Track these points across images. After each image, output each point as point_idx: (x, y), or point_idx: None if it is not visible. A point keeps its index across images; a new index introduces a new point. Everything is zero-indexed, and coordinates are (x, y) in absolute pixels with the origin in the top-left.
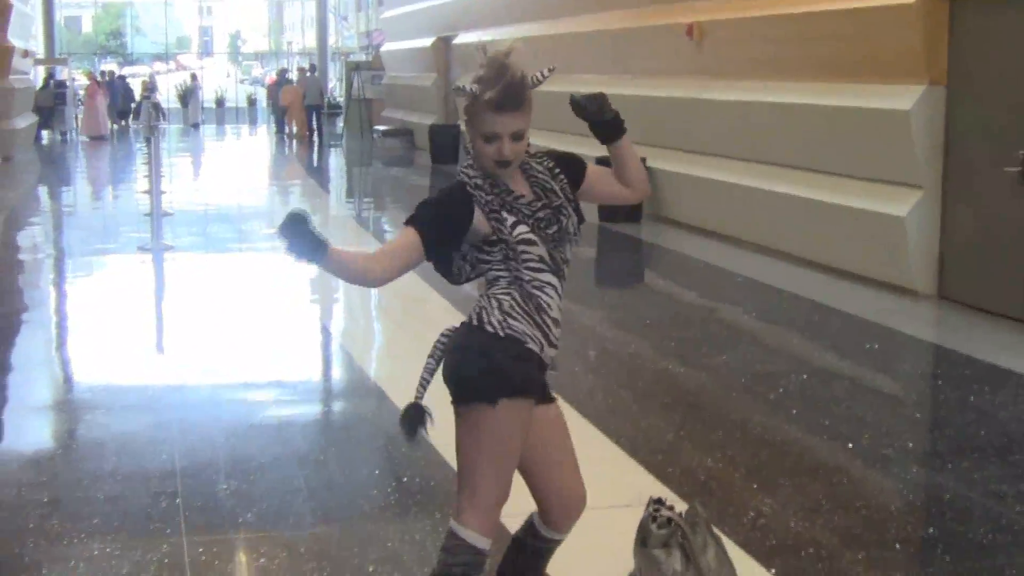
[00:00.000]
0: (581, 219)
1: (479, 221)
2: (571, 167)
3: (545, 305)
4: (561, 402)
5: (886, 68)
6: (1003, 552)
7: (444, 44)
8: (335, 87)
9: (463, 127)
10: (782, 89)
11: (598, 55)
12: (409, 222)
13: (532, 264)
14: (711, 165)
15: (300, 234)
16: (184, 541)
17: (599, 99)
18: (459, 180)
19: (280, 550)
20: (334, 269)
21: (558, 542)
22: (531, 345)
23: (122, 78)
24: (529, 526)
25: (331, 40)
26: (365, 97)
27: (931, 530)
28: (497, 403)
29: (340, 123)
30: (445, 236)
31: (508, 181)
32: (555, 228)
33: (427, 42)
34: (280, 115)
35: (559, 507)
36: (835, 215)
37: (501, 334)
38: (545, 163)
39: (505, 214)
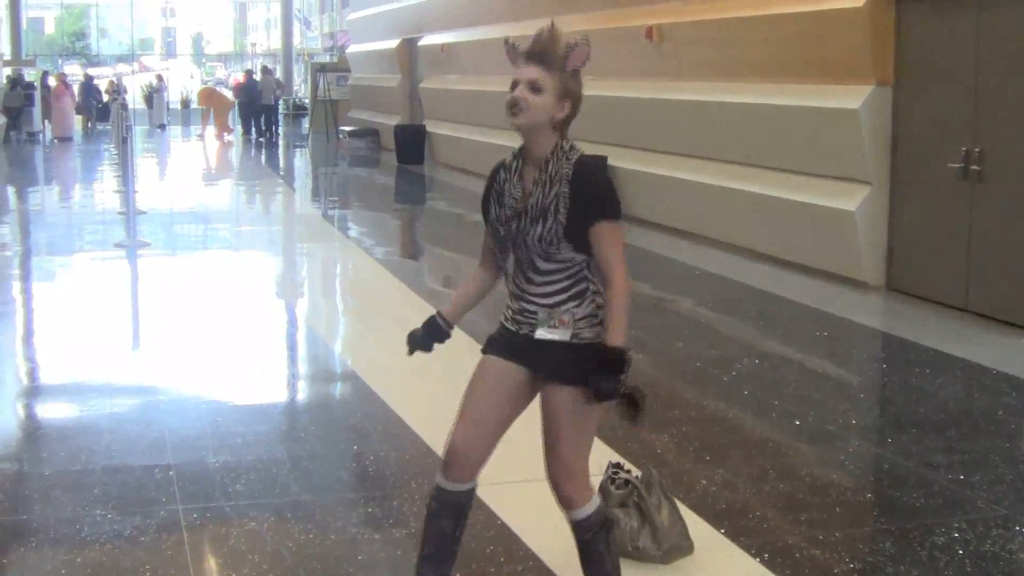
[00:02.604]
0: (562, 234)
1: None
2: (584, 202)
3: (508, 280)
4: None
5: (836, 69)
6: (933, 513)
7: (409, 45)
8: (300, 88)
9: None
10: (738, 89)
11: None
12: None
13: (499, 249)
14: (670, 163)
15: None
16: (179, 508)
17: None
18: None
19: (268, 515)
20: (463, 312)
21: (573, 524)
22: (500, 317)
23: (90, 79)
24: None
25: (295, 41)
26: (331, 98)
27: (869, 495)
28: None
29: (306, 124)
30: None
31: (525, 168)
32: (504, 229)
33: (392, 43)
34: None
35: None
36: (788, 210)
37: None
38: (565, 168)
39: (496, 204)
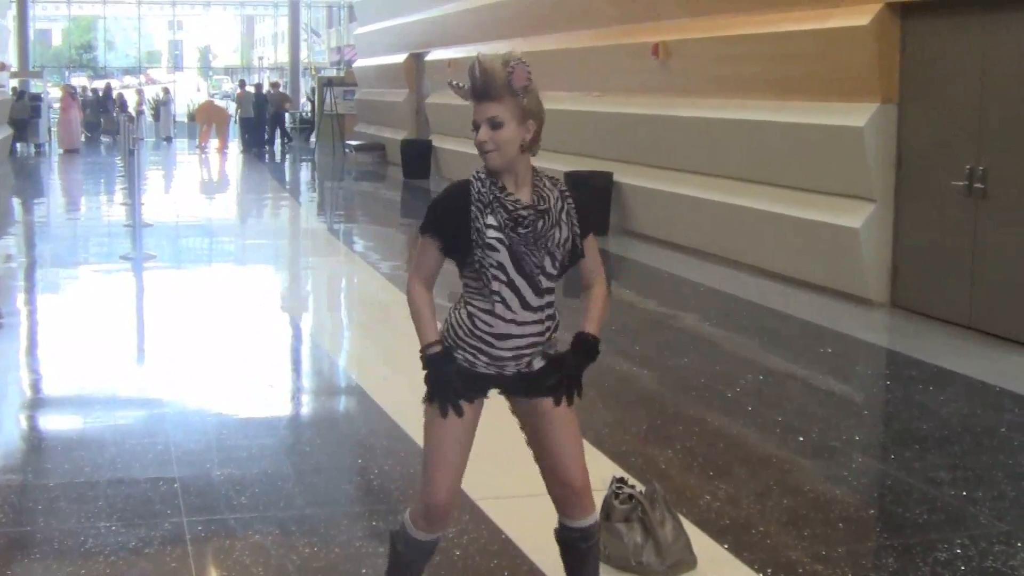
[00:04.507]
0: (576, 249)
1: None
2: (583, 215)
3: (485, 322)
4: None
5: (841, 86)
6: (936, 529)
7: (416, 61)
8: (305, 102)
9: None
10: (743, 106)
11: (567, 73)
12: (422, 229)
13: (490, 270)
14: (675, 180)
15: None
16: (184, 521)
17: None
18: (467, 177)
19: (273, 528)
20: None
21: (577, 531)
22: (461, 362)
23: (95, 91)
24: (558, 520)
25: (302, 55)
26: (337, 112)
27: (872, 511)
28: (427, 403)
29: (312, 138)
30: (451, 230)
31: (510, 183)
32: (528, 229)
33: (399, 58)
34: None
35: (555, 490)
36: (793, 227)
37: (445, 344)
38: (559, 186)
39: (488, 213)
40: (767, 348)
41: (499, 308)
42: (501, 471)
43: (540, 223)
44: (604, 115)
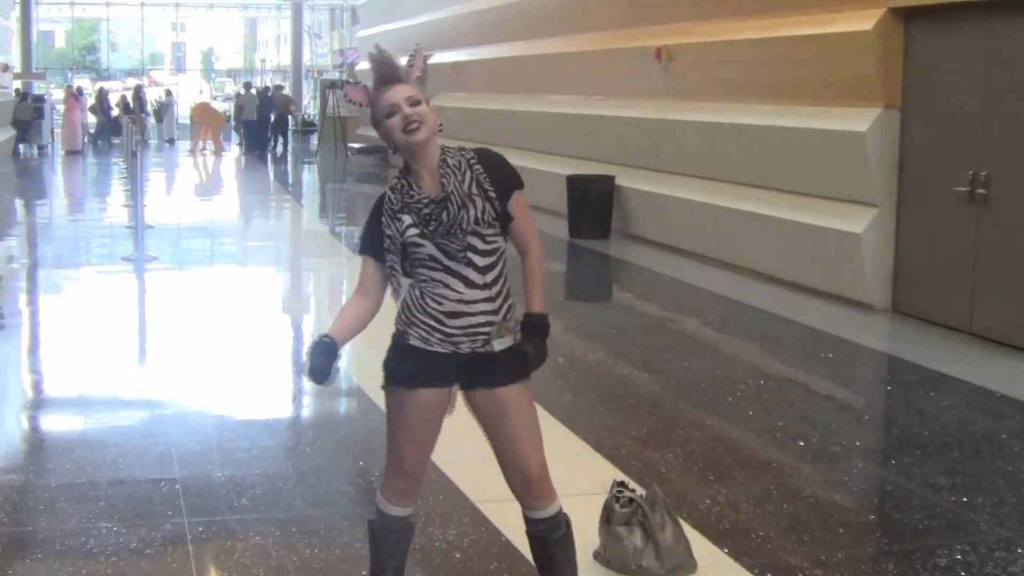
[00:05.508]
0: (496, 211)
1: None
2: (499, 176)
3: (435, 300)
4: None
5: (844, 91)
6: (936, 535)
7: None
8: (308, 104)
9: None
10: (745, 111)
11: (569, 76)
12: (360, 251)
13: (424, 263)
14: (677, 184)
15: (314, 359)
16: (185, 522)
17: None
18: (383, 192)
19: (274, 529)
20: (349, 338)
21: (543, 522)
22: (413, 341)
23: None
24: (524, 516)
25: (304, 58)
26: (339, 115)
27: (872, 516)
28: (385, 389)
29: (314, 139)
30: (379, 244)
31: (420, 179)
32: (434, 224)
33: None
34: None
35: (514, 482)
36: (794, 232)
37: (394, 329)
38: (466, 155)
39: (403, 215)
40: (768, 353)
41: (445, 291)
42: (501, 473)
43: (444, 214)
44: (606, 119)
